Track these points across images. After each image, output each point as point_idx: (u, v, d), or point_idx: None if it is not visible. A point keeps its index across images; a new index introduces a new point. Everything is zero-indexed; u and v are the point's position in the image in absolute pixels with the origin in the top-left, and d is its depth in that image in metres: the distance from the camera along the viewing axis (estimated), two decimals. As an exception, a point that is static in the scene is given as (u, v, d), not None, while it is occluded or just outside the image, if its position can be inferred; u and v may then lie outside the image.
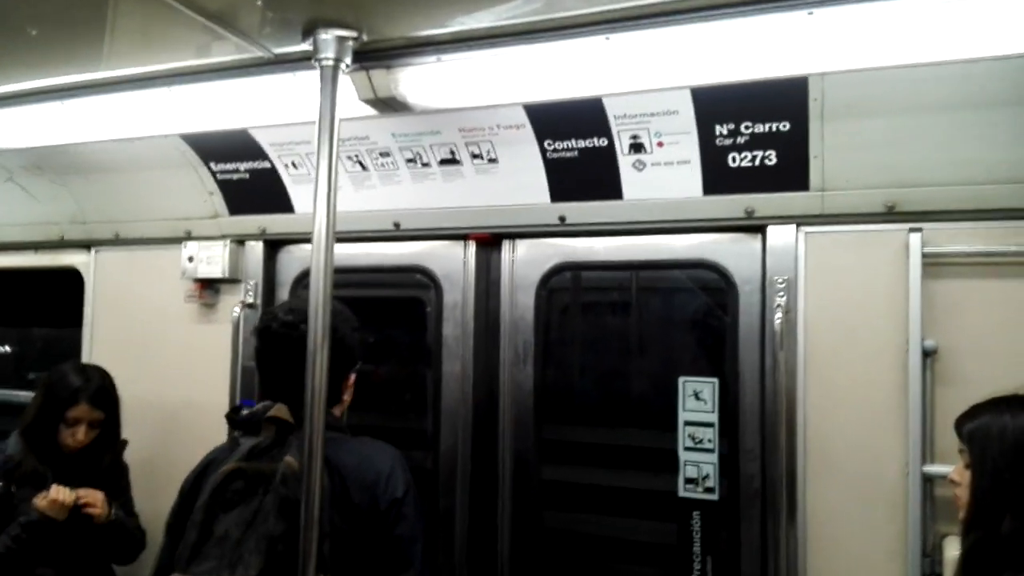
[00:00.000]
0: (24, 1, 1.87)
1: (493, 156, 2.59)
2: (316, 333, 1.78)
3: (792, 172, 2.27)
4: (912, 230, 2.17)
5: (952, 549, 2.05)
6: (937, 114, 2.09)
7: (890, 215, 2.20)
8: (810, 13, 1.69)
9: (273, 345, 1.95)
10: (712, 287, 2.57)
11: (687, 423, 2.54)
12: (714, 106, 2.25)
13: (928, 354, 2.16)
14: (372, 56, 2.08)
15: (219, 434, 2.06)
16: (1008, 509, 1.59)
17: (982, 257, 2.14)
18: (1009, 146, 2.05)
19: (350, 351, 1.99)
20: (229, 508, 1.76)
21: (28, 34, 2.07)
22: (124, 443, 2.87)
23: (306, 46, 1.96)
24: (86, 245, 3.40)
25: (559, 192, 2.59)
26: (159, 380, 3.18)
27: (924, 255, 2.16)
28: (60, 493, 2.55)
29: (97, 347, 3.36)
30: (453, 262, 2.87)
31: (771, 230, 2.37)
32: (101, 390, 2.74)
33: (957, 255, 2.16)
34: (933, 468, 2.13)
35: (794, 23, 1.73)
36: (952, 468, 1.80)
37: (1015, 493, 1.59)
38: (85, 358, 3.33)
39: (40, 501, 2.54)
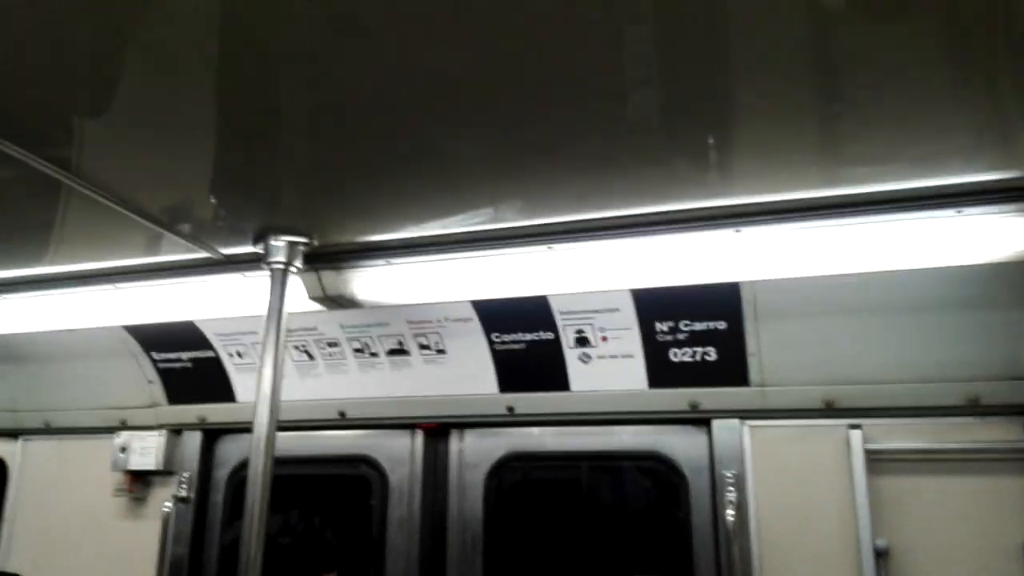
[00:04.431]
0: None
1: (441, 347, 2.61)
2: (251, 533, 1.70)
3: (732, 368, 2.33)
4: (852, 426, 2.22)
5: None
6: (863, 316, 2.19)
7: (829, 411, 2.25)
8: (737, 231, 1.81)
9: None
10: (663, 479, 2.54)
11: (642, 626, 2.42)
12: (653, 305, 2.33)
13: (880, 554, 2.13)
14: (322, 259, 2.12)
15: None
16: None
17: (922, 454, 2.17)
18: (935, 348, 2.15)
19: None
20: None
21: None
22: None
23: (257, 249, 2.00)
24: (13, 434, 3.25)
25: (507, 383, 2.59)
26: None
27: (867, 451, 2.19)
28: None
29: (17, 543, 3.13)
30: (400, 451, 2.80)
31: (716, 423, 2.39)
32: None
33: (898, 451, 2.19)
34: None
35: (724, 239, 1.85)
36: None
37: None
38: (2, 554, 3.08)
39: None
